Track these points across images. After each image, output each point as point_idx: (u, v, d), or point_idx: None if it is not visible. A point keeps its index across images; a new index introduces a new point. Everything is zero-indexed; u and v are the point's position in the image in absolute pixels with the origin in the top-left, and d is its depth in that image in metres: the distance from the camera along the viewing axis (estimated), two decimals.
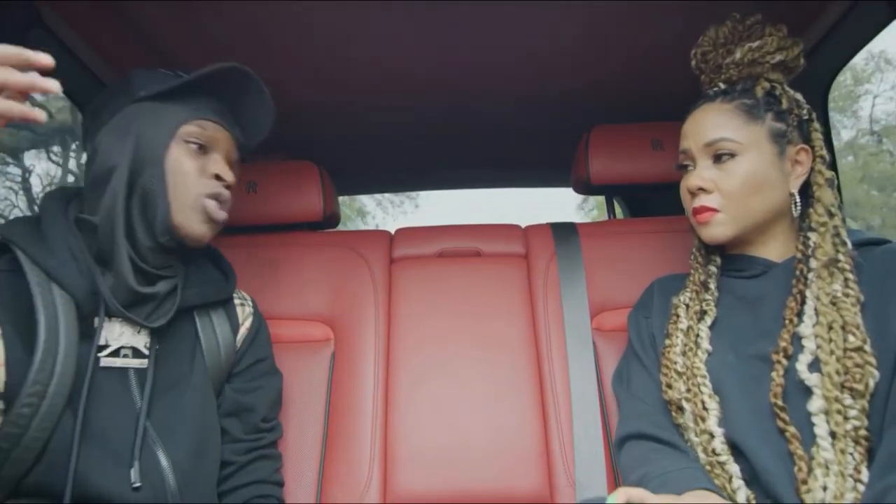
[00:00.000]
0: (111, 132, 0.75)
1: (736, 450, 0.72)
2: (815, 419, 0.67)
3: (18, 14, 0.87)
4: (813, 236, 0.76)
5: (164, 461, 0.73)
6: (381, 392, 1.03)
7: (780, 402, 0.69)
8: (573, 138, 1.24)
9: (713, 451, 0.73)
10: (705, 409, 0.75)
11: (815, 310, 0.72)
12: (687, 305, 0.84)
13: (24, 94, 0.57)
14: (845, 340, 0.68)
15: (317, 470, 0.97)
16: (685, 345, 0.80)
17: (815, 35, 1.07)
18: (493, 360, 1.05)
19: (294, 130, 1.47)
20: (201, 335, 0.83)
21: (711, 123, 0.80)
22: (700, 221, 0.80)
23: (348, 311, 1.09)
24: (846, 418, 0.66)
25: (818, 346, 0.69)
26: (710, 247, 0.86)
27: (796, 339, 0.72)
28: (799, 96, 0.82)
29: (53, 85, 0.56)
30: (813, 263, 0.74)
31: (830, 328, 0.69)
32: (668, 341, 0.83)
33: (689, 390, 0.77)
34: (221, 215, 0.80)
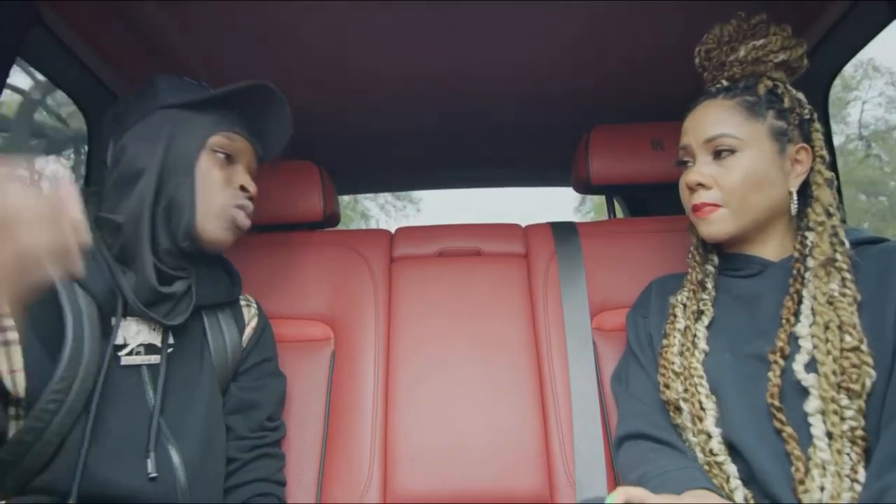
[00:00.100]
0: (139, 136, 0.77)
1: (733, 450, 0.72)
2: (811, 419, 0.67)
3: (18, 14, 0.87)
4: (810, 235, 0.76)
5: (175, 458, 0.74)
6: (381, 392, 1.03)
7: (776, 403, 0.69)
8: (573, 138, 1.24)
9: (711, 451, 0.73)
10: (702, 409, 0.75)
11: (812, 309, 0.72)
12: (684, 305, 0.84)
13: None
14: (842, 340, 0.68)
15: (317, 469, 0.97)
16: (682, 345, 0.80)
17: (815, 35, 1.07)
18: (492, 360, 1.05)
19: (294, 130, 1.47)
20: (209, 334, 0.85)
21: (712, 119, 0.80)
22: (700, 216, 0.80)
23: (348, 311, 1.10)
24: (843, 418, 0.66)
25: (815, 346, 0.69)
26: (708, 245, 0.87)
27: (793, 339, 0.72)
28: (801, 96, 0.82)
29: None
30: (810, 263, 0.74)
31: (827, 328, 0.69)
32: (665, 341, 0.83)
33: (686, 390, 0.77)
34: (246, 224, 0.83)
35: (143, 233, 0.74)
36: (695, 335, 0.80)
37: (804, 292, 0.73)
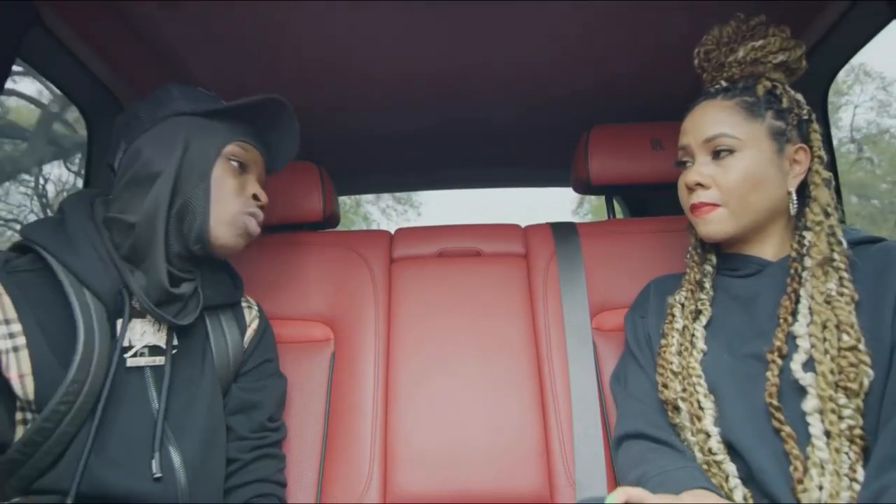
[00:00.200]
0: (155, 140, 0.78)
1: (732, 449, 0.72)
2: (809, 418, 0.67)
3: (18, 14, 0.87)
4: (808, 235, 0.76)
5: (176, 458, 0.75)
6: (381, 392, 1.03)
7: (775, 402, 0.69)
8: (573, 138, 1.24)
9: (709, 450, 0.73)
10: (701, 408, 0.75)
11: (810, 309, 0.72)
12: (682, 305, 0.84)
13: None
14: (839, 339, 0.68)
15: (317, 470, 0.97)
16: (681, 344, 0.81)
17: (815, 35, 1.07)
18: (492, 360, 1.05)
19: None
20: (211, 336, 0.86)
21: (711, 119, 0.80)
22: (698, 216, 0.80)
23: (348, 311, 1.10)
24: (841, 417, 0.66)
25: (812, 346, 0.69)
26: (706, 245, 0.87)
27: (791, 339, 0.72)
28: (799, 96, 0.82)
29: None
30: (808, 262, 0.74)
31: (824, 327, 0.69)
32: (663, 341, 0.83)
33: (684, 390, 0.77)
34: (257, 231, 0.85)
35: (157, 234, 0.75)
36: (693, 335, 0.80)
37: (802, 292, 0.74)
